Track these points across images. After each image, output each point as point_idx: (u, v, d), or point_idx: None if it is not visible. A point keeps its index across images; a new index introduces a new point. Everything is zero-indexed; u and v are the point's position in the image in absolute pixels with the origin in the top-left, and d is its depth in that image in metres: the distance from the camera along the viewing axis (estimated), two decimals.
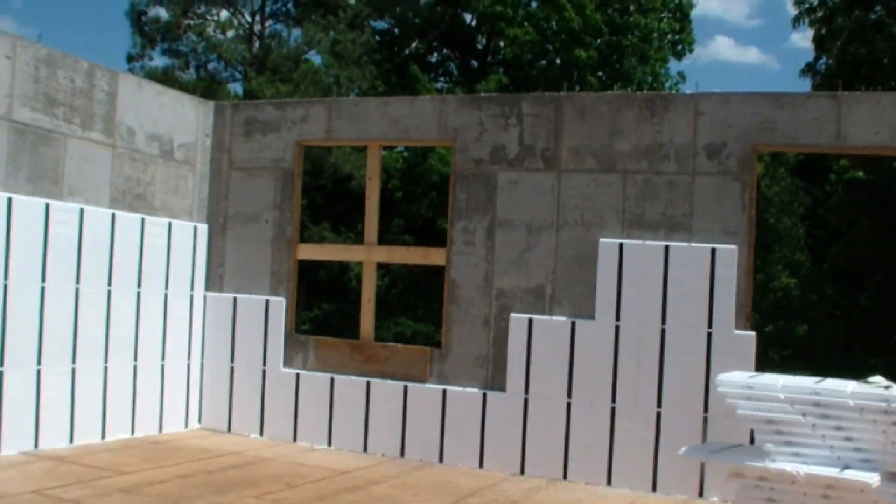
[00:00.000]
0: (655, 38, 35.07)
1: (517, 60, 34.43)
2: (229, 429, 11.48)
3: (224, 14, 35.14)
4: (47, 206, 9.76)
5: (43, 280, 9.69)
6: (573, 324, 9.81)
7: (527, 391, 9.94)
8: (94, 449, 9.93)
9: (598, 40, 34.14)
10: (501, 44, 36.24)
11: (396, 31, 37.38)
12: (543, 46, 34.54)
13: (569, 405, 9.75)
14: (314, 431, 10.97)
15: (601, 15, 34.10)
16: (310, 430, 11.00)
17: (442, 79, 37.95)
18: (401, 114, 10.98)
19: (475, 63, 37.64)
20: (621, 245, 9.70)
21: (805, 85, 28.35)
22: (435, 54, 38.46)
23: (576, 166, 10.06)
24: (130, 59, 35.56)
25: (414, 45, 37.43)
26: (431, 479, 9.38)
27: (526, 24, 35.00)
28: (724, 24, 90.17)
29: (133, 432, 10.81)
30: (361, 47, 33.15)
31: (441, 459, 10.27)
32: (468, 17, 37.35)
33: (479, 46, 37.87)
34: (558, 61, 34.42)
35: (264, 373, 11.31)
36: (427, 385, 10.47)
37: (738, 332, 9.34)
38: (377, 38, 36.26)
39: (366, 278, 11.41)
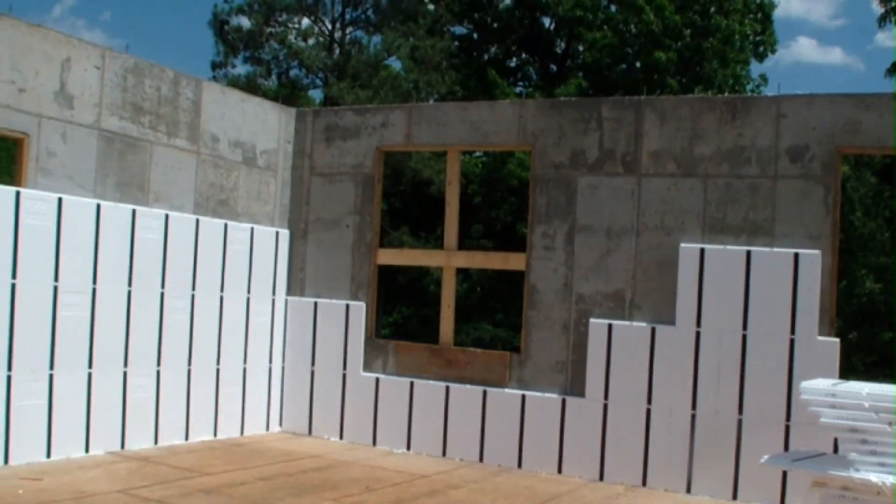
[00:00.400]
0: (737, 39, 34.58)
1: (596, 64, 34.20)
2: (310, 432, 11.60)
3: (305, 22, 35.52)
4: (134, 212, 9.96)
5: (129, 284, 9.89)
6: (653, 329, 9.74)
7: (606, 397, 9.89)
8: (178, 450, 10.10)
9: (679, 43, 33.77)
10: (580, 48, 36.07)
11: (475, 36, 37.40)
12: (623, 50, 34.28)
13: (648, 411, 9.67)
14: (393, 435, 11.04)
15: (681, 17, 33.73)
16: (389, 433, 11.07)
17: (521, 83, 37.86)
18: (480, 118, 11.00)
19: (554, 67, 37.49)
20: (702, 250, 9.60)
21: (891, 86, 27.80)
22: (514, 59, 38.38)
23: (656, 170, 9.99)
24: (214, 67, 36.09)
25: (493, 49, 37.39)
26: (510, 485, 9.37)
27: (605, 27, 34.78)
28: (807, 25, 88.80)
29: (216, 434, 10.97)
30: (440, 53, 33.24)
31: (520, 465, 10.25)
32: (547, 22, 37.24)
33: (558, 51, 37.74)
34: (638, 65, 34.13)
35: (344, 377, 11.40)
36: (506, 390, 10.46)
37: (821, 338, 9.18)
38: (456, 43, 36.30)
39: (445, 283, 11.45)
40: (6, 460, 8.71)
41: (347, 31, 35.96)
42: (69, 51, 9.50)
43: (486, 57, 37.05)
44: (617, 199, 10.13)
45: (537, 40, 36.83)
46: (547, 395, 10.21)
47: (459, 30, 37.45)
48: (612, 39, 34.25)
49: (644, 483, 9.63)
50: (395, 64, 34.45)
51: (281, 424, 11.83)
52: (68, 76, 9.47)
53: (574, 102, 10.79)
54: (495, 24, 36.39)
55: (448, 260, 11.33)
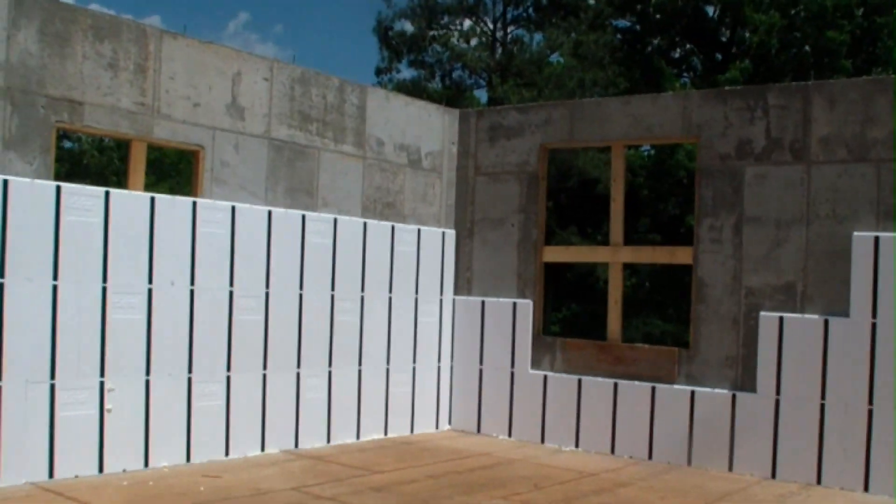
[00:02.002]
0: None
1: (763, 48, 33.30)
2: (478, 430, 11.71)
3: (467, 23, 35.81)
4: (303, 217, 10.25)
5: (301, 288, 10.19)
6: (826, 322, 9.46)
7: (778, 392, 9.66)
8: (350, 448, 10.35)
9: (851, 22, 32.55)
10: (746, 34, 35.21)
11: (638, 28, 37.00)
12: (791, 33, 33.28)
13: (822, 407, 9.39)
14: (561, 433, 11.04)
15: None
16: (557, 431, 11.08)
17: (685, 74, 37.26)
18: (643, 112, 10.90)
19: (719, 56, 36.74)
20: (877, 238, 9.27)
21: None
22: (677, 49, 37.80)
23: (826, 157, 9.70)
24: (379, 72, 36.76)
25: (656, 41, 36.91)
26: (679, 483, 9.26)
27: (771, 11, 33.82)
28: None
29: (386, 433, 11.20)
30: (603, 47, 33.01)
31: (689, 462, 10.11)
32: (710, 10, 36.53)
33: (723, 39, 36.95)
34: (807, 48, 33.11)
35: (512, 375, 11.47)
36: (675, 386, 10.33)
37: None
38: (618, 36, 36.00)
39: (612, 279, 11.38)
40: (188, 458, 9.11)
41: (509, 30, 36.09)
42: (239, 65, 9.85)
43: (649, 49, 36.58)
44: (785, 189, 9.88)
45: (701, 29, 36.14)
46: (717, 390, 10.04)
47: (621, 23, 37.10)
48: (781, 21, 33.24)
49: (818, 481, 9.36)
50: (558, 61, 34.37)
51: (450, 423, 11.98)
52: (239, 89, 9.83)
53: (739, 91, 10.56)
54: (658, 16, 35.90)
55: (614, 256, 11.26)
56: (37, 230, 8.01)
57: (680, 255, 10.88)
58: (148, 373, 8.79)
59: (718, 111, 10.33)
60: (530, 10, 35.86)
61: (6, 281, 7.80)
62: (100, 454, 8.43)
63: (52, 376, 8.10)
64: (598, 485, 9.00)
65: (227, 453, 9.46)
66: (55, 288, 8.12)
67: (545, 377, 11.23)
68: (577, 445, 10.92)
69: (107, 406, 8.46)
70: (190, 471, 8.77)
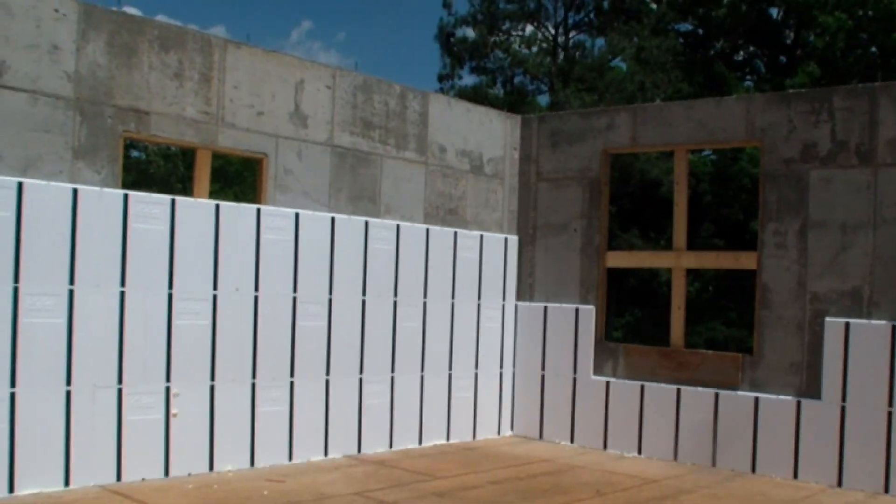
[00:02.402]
0: None
1: (828, 51, 32.89)
2: (541, 436, 11.70)
3: (529, 29, 35.78)
4: (366, 223, 10.32)
5: (363, 294, 10.25)
6: (893, 328, 9.31)
7: (844, 399, 9.52)
8: (412, 454, 10.39)
9: None
10: (811, 36, 34.80)
11: (700, 31, 36.73)
12: (857, 34, 32.81)
13: (890, 414, 9.24)
14: (624, 439, 10.99)
15: None
16: (620, 437, 11.03)
17: (749, 77, 36.89)
18: (706, 116, 10.82)
19: (783, 58, 36.34)
20: None
21: None
22: (741, 53, 37.44)
23: (894, 160, 9.55)
24: (441, 79, 36.87)
25: (719, 45, 36.61)
26: (743, 490, 9.16)
27: (836, 12, 33.39)
28: None
29: (448, 438, 11.22)
30: (666, 52, 32.80)
31: (753, 469, 10.01)
32: (774, 12, 36.16)
33: (787, 41, 36.55)
34: (874, 49, 32.61)
35: (575, 380, 11.44)
36: (739, 392, 10.23)
37: None
38: (681, 40, 35.76)
39: (675, 284, 11.30)
40: (252, 462, 9.21)
41: (570, 35, 35.98)
42: (302, 73, 9.95)
43: (711, 52, 36.28)
44: (851, 193, 9.75)
45: (765, 31, 35.76)
46: (781, 397, 9.92)
47: (684, 26, 36.85)
48: (848, 23, 32.79)
49: (886, 490, 9.19)
50: (620, 66, 34.23)
51: (512, 428, 11.97)
52: (302, 97, 9.92)
53: (803, 94, 10.44)
54: (721, 19, 35.61)
55: (677, 261, 11.19)
56: (105, 238, 8.16)
57: (744, 260, 10.79)
58: (213, 378, 8.90)
59: (782, 114, 10.23)
60: (591, 14, 35.76)
61: (76, 288, 7.95)
62: (166, 458, 8.56)
63: (120, 381, 8.24)
64: (661, 492, 8.95)
65: (290, 458, 9.55)
66: (122, 294, 8.26)
67: (607, 383, 11.19)
68: (639, 452, 10.86)
69: (173, 411, 8.59)
70: (254, 475, 8.87)
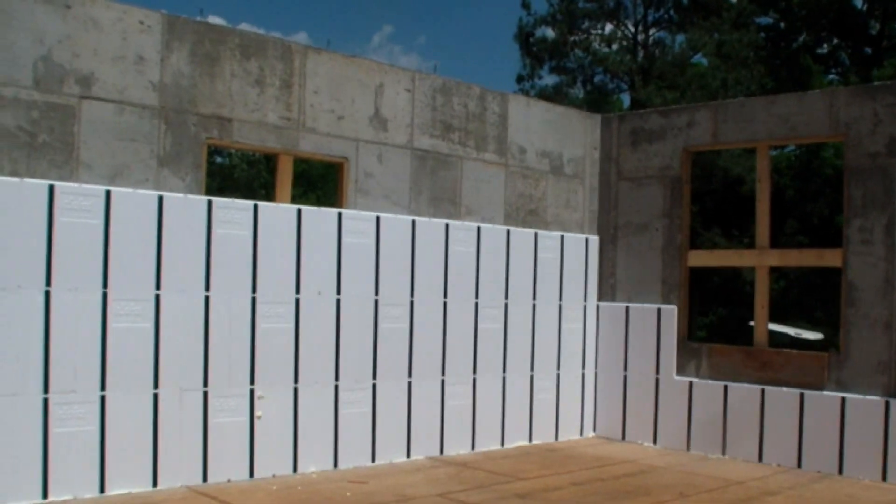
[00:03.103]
0: None
1: None
2: (623, 437, 11.63)
3: (608, 27, 35.58)
4: (447, 225, 10.36)
5: (445, 296, 10.29)
6: None
7: None
8: (494, 455, 10.40)
9: None
10: None
11: (782, 25, 36.14)
12: None
13: None
14: (707, 440, 10.88)
15: None
16: (703, 438, 10.92)
17: (833, 70, 36.22)
18: (789, 111, 10.67)
19: (868, 50, 35.60)
20: None
21: None
22: (824, 45, 36.76)
23: None
24: (520, 79, 36.80)
25: (801, 38, 35.99)
26: (830, 492, 9.01)
27: None
28: None
29: (530, 439, 11.22)
30: (747, 46, 32.36)
31: (840, 471, 9.83)
32: (859, 3, 35.45)
33: (873, 32, 35.79)
34: None
35: (657, 381, 11.36)
36: (824, 392, 10.07)
37: None
38: (762, 34, 35.23)
39: (759, 283, 11.16)
40: (335, 464, 9.30)
41: (650, 32, 35.69)
42: (381, 77, 10.03)
43: (794, 46, 35.69)
44: None
45: (849, 23, 35.06)
46: (868, 397, 9.74)
47: (765, 20, 36.30)
48: None
49: None
50: (701, 62, 33.87)
51: (594, 429, 11.93)
52: (382, 101, 10.00)
53: (889, 86, 10.23)
54: (803, 11, 35.00)
55: (760, 259, 11.05)
56: (189, 243, 8.31)
57: (828, 258, 10.60)
58: (296, 380, 9.01)
59: (867, 108, 10.05)
60: (671, 11, 35.41)
61: (161, 293, 8.11)
62: (250, 459, 8.69)
63: (205, 384, 8.39)
64: (746, 493, 8.84)
65: (373, 459, 9.63)
66: (207, 298, 8.40)
67: (691, 383, 11.09)
68: (723, 453, 10.74)
69: (257, 413, 8.71)
70: (337, 476, 8.96)
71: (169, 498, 7.83)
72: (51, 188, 7.58)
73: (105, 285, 7.81)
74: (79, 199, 7.72)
